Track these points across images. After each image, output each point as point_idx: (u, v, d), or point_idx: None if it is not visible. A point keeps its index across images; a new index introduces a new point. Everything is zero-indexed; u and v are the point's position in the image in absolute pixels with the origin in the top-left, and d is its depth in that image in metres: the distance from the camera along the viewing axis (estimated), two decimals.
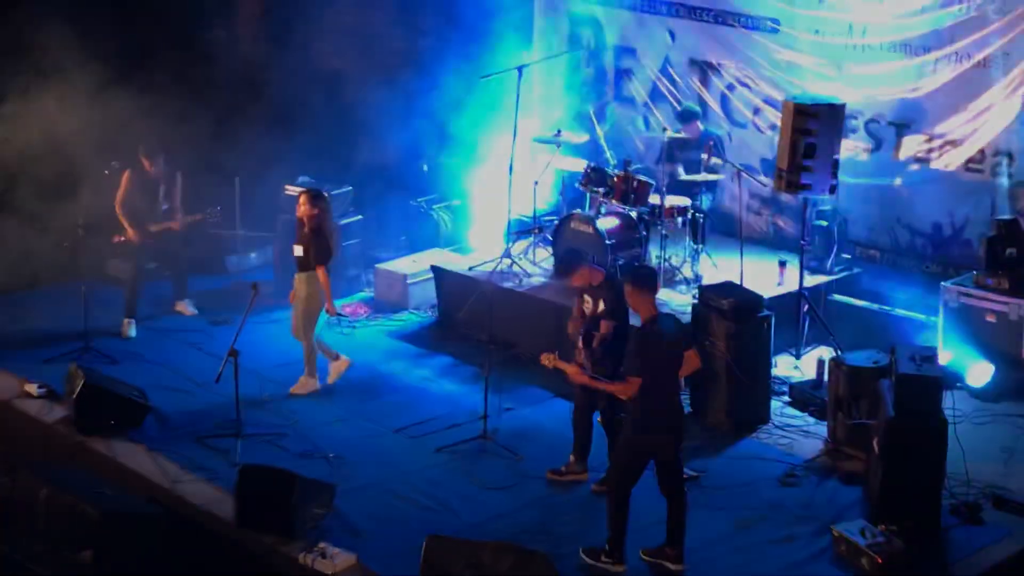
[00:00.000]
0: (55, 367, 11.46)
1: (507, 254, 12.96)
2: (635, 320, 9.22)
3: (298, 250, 11.27)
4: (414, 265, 13.60)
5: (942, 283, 11.69)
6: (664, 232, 12.39)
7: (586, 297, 9.85)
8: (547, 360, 9.38)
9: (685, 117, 13.21)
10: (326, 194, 11.66)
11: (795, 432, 10.88)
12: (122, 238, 12.44)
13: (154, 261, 12.98)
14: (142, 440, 10.56)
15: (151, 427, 10.78)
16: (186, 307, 13.02)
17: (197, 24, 14.60)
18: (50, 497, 9.40)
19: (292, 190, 13.54)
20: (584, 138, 13.47)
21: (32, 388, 11.25)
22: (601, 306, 9.71)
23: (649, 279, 8.99)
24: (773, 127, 13.06)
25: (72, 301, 12.24)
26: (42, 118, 12.59)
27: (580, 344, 9.75)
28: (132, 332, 12.50)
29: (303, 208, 11.23)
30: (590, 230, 12.18)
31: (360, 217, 13.97)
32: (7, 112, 12.56)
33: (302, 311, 11.32)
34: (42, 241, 12.66)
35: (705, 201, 12.71)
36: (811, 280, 12.12)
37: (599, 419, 9.92)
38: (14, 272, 12.98)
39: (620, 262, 12.06)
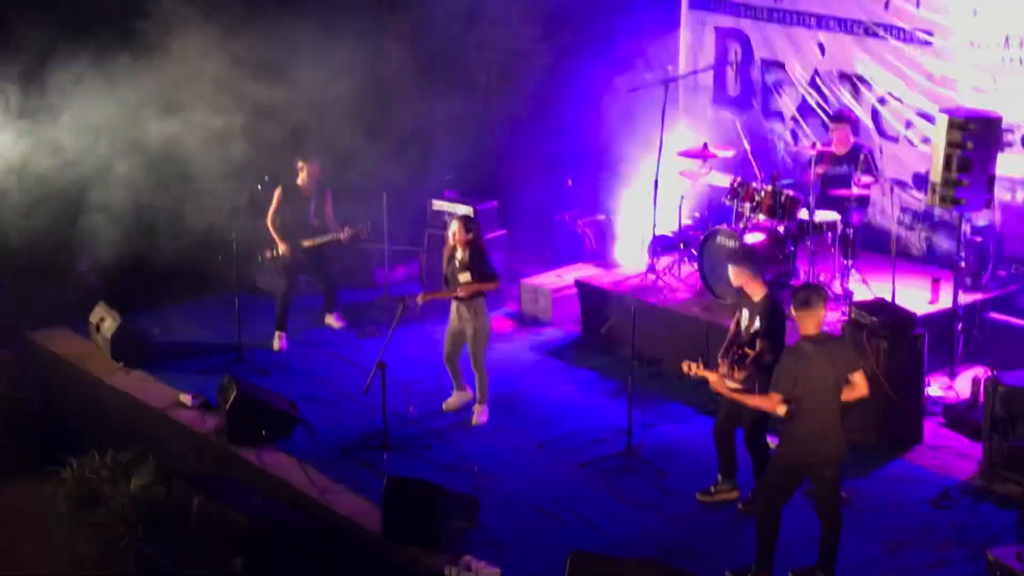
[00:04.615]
0: (208, 378, 11.72)
1: (652, 269, 12.91)
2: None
3: (465, 276, 11.03)
4: (558, 280, 13.62)
5: None
6: (813, 248, 12.20)
7: (744, 311, 9.71)
8: (688, 368, 9.25)
9: (837, 117, 12.93)
10: (472, 213, 11.70)
11: (949, 453, 10.62)
12: (273, 253, 12.67)
13: (304, 275, 13.21)
14: (292, 451, 10.74)
15: (301, 438, 10.97)
16: (335, 320, 13.22)
17: (341, 42, 14.83)
18: (202, 505, 9.62)
19: (438, 205, 13.69)
20: (730, 152, 13.35)
21: (186, 398, 11.54)
22: (757, 324, 9.56)
23: (816, 296, 8.78)
24: (925, 141, 12.79)
25: (225, 314, 12.52)
26: (196, 133, 12.93)
27: (725, 359, 9.56)
28: (283, 345, 12.74)
29: (458, 235, 11.10)
30: (736, 245, 12.04)
31: (505, 231, 14.05)
32: (164, 128, 12.93)
33: (478, 341, 11.14)
34: (196, 255, 12.99)
35: (855, 216, 12.47)
36: (966, 298, 11.81)
37: (744, 439, 9.80)
38: (169, 284, 13.36)
39: (767, 278, 11.89)
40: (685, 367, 9.26)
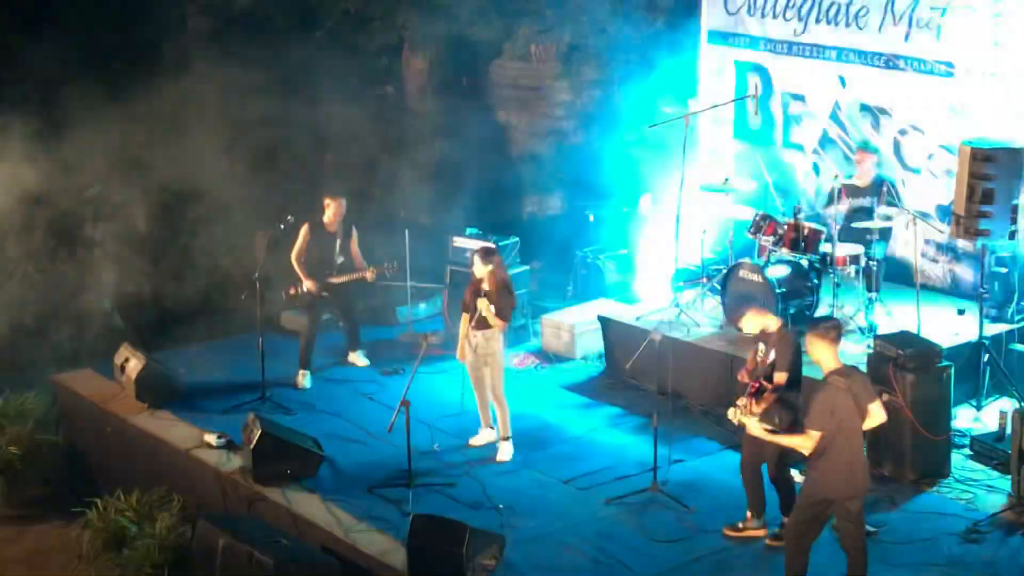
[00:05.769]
0: (233, 418, 11.74)
1: (675, 304, 12.89)
2: (815, 371, 9.02)
3: (485, 307, 11.02)
4: (581, 315, 13.60)
5: None
6: (836, 281, 12.17)
7: (760, 346, 9.71)
8: (733, 415, 9.28)
9: (863, 146, 12.99)
10: (494, 245, 11.69)
11: (977, 486, 10.54)
12: (297, 290, 12.68)
13: (327, 313, 13.21)
14: (317, 489, 10.73)
15: (325, 477, 10.95)
16: (358, 358, 13.22)
17: (367, 81, 14.94)
18: (227, 546, 9.61)
19: (460, 242, 13.71)
20: (753, 186, 13.34)
21: (211, 438, 11.54)
22: (773, 356, 9.56)
23: (832, 330, 8.79)
24: (948, 172, 12.75)
25: (249, 353, 12.53)
26: (218, 171, 13.01)
27: (747, 393, 9.54)
28: (307, 383, 12.75)
29: (478, 268, 11.15)
30: (759, 279, 12.02)
31: (527, 267, 14.06)
32: (188, 172, 13.01)
33: (494, 372, 11.16)
34: (219, 294, 13.04)
35: (879, 248, 12.43)
36: (991, 329, 11.77)
37: (769, 474, 9.75)
38: (193, 323, 13.40)
39: (791, 311, 11.87)
40: (731, 415, 9.27)
